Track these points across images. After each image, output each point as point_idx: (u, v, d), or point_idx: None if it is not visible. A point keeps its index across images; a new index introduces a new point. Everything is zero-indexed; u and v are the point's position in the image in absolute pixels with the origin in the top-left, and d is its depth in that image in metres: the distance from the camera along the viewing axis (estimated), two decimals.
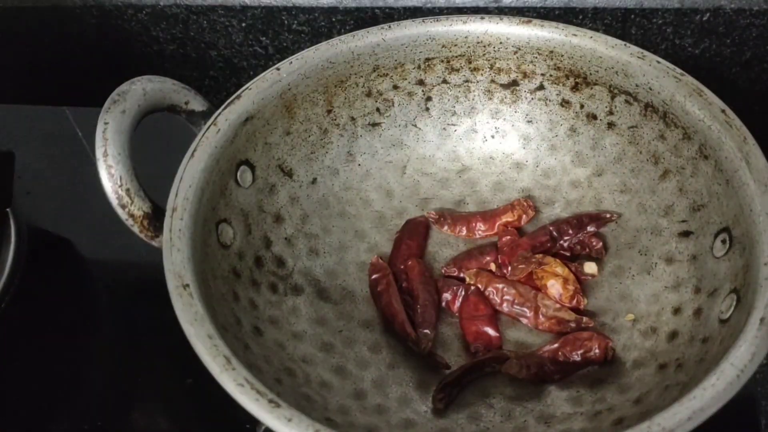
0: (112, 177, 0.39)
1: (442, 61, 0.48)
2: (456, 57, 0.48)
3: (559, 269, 0.43)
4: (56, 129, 0.60)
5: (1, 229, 0.50)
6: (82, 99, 0.60)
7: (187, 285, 0.36)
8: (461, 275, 0.45)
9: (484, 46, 0.47)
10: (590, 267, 0.44)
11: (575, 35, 0.45)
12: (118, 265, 0.52)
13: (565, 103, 0.48)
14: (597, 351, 0.40)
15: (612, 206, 0.46)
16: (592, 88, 0.46)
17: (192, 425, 0.45)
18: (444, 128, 0.50)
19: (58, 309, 0.49)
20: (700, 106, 0.41)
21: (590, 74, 0.46)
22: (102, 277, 0.52)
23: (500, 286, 0.43)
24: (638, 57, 0.44)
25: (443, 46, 0.47)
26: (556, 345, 0.40)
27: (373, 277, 0.44)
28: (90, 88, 0.53)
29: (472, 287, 0.44)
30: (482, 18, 0.47)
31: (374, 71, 0.47)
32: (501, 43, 0.47)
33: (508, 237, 0.45)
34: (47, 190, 0.56)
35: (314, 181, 0.48)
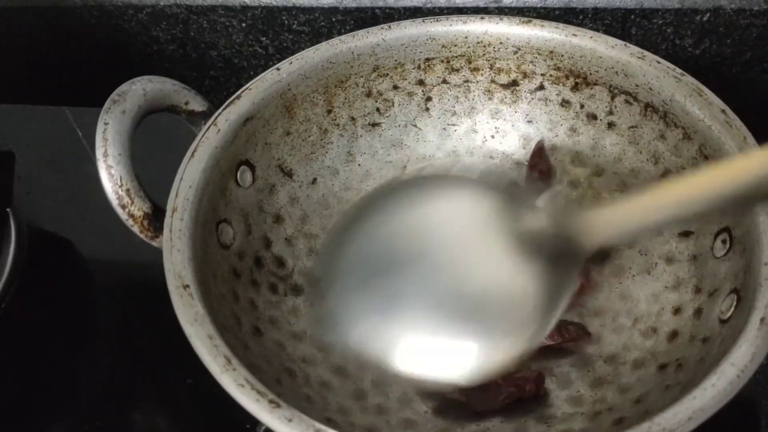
0: (112, 177, 0.39)
1: (442, 61, 0.48)
2: (456, 57, 0.48)
3: None
4: (56, 129, 0.60)
5: (1, 229, 0.50)
6: (82, 99, 0.60)
7: (188, 285, 0.36)
8: None
9: (484, 46, 0.47)
10: None
11: (575, 35, 0.45)
12: (118, 265, 0.52)
13: (565, 103, 0.48)
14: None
15: None
16: (592, 88, 0.46)
17: (192, 425, 0.45)
18: (444, 128, 0.50)
19: (58, 309, 0.49)
20: (700, 106, 0.41)
21: (590, 74, 0.46)
22: (102, 277, 0.52)
23: None
24: (638, 57, 0.44)
25: (443, 46, 0.47)
26: None
27: None
28: (90, 88, 0.53)
29: None
30: (482, 18, 0.47)
31: (374, 71, 0.47)
32: (501, 43, 0.47)
33: None
34: (47, 190, 0.56)
35: (314, 181, 0.48)
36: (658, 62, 0.43)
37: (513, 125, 0.49)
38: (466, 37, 0.47)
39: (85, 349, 0.48)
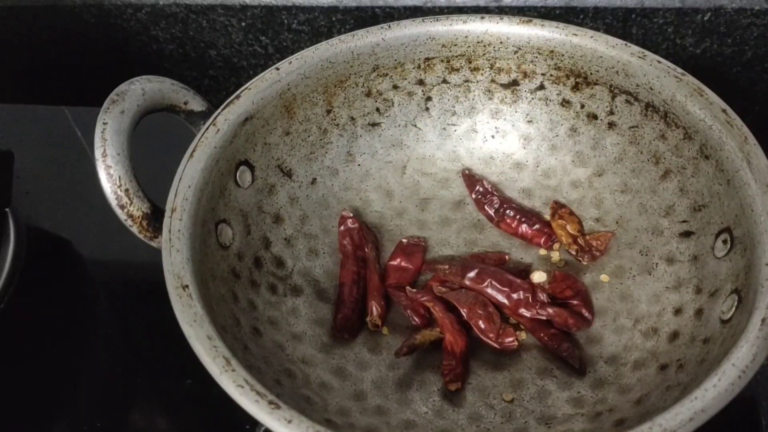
0: (111, 177, 0.39)
1: (442, 61, 0.48)
2: (456, 57, 0.47)
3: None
4: (56, 129, 0.60)
5: (0, 229, 0.50)
6: (82, 99, 0.60)
7: (187, 286, 0.36)
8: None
9: (485, 46, 0.47)
10: (540, 276, 0.44)
11: (576, 35, 0.45)
12: (118, 265, 0.52)
13: (565, 103, 0.47)
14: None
15: (612, 206, 0.46)
16: (592, 88, 0.46)
17: (192, 425, 0.45)
18: (444, 128, 0.50)
19: (58, 309, 0.49)
20: (701, 106, 0.41)
21: (591, 74, 0.46)
22: (102, 277, 0.52)
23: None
24: (639, 57, 0.44)
25: (443, 46, 0.47)
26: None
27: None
28: (89, 88, 0.53)
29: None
30: (482, 18, 0.46)
31: (374, 71, 0.47)
32: (501, 42, 0.47)
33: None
34: (47, 190, 0.56)
35: (314, 181, 0.47)
36: (659, 62, 0.43)
37: (513, 125, 0.49)
38: (466, 37, 0.47)
39: (85, 349, 0.48)
